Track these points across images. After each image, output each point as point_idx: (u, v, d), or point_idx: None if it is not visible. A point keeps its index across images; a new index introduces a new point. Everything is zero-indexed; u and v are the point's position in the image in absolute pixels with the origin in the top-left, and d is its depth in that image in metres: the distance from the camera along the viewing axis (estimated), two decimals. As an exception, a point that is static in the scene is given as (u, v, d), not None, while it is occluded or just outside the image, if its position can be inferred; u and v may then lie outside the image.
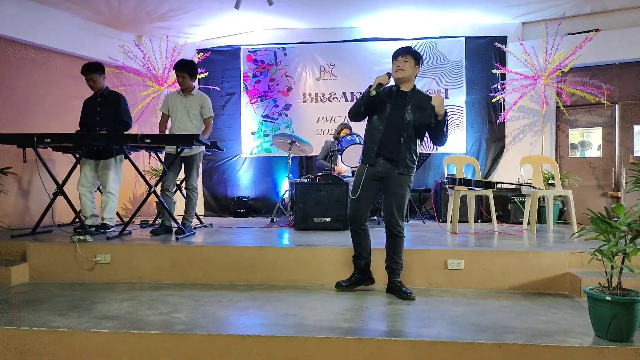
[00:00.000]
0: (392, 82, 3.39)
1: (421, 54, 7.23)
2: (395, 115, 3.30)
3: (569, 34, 6.60)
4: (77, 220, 4.75)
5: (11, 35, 5.53)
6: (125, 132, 4.95)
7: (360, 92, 7.35)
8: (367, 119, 3.44)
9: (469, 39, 7.19)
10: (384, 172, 3.33)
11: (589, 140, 6.85)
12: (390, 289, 3.40)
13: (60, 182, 4.54)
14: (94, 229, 4.77)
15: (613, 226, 2.45)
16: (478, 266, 3.63)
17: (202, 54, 7.41)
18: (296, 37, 7.59)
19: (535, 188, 5.10)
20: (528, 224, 5.13)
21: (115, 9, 6.26)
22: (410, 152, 3.33)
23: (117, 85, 6.82)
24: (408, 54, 3.33)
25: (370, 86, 3.26)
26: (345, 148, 5.60)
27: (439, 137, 3.40)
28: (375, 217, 6.17)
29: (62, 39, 6.11)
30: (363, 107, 3.31)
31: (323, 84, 7.58)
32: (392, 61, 3.36)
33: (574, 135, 6.93)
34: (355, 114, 3.37)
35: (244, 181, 7.69)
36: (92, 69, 4.83)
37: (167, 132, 4.96)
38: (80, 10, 6.16)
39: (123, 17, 6.57)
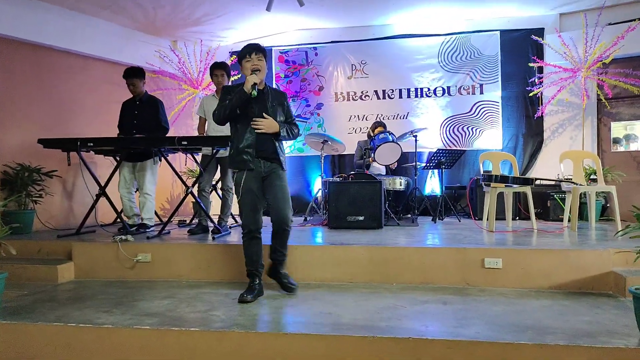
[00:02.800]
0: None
1: (454, 49, 7.24)
2: (262, 115, 3.27)
3: (609, 24, 6.36)
4: (118, 220, 4.92)
5: (53, 43, 5.76)
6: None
7: (393, 90, 7.38)
8: (230, 123, 3.38)
9: (504, 33, 7.03)
10: (266, 172, 3.32)
11: (633, 133, 6.58)
12: (274, 274, 3.50)
13: (103, 184, 4.70)
14: (135, 228, 4.92)
15: (660, 223, 2.35)
16: (517, 265, 3.55)
17: (235, 56, 7.51)
18: (327, 36, 7.61)
19: (577, 184, 4.94)
20: (569, 221, 4.98)
21: (150, 15, 6.43)
22: (282, 149, 3.42)
23: (154, 89, 7.01)
24: (261, 53, 3.31)
25: (242, 88, 3.19)
26: (378, 146, 5.58)
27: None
28: (410, 216, 6.12)
29: (101, 46, 6.32)
30: (238, 110, 3.23)
31: (355, 82, 7.57)
32: (244, 58, 3.28)
33: (617, 129, 6.67)
34: (226, 118, 3.29)
35: (278, 181, 7.75)
36: (133, 74, 5.00)
37: (205, 134, 5.07)
38: (117, 17, 6.36)
39: (158, 23, 6.74)
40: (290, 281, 3.50)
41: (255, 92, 3.18)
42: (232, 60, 7.38)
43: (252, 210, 3.33)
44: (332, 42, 7.59)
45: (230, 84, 5.05)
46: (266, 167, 3.32)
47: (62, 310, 3.10)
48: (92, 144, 4.65)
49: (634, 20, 6.14)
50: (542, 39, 6.69)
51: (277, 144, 3.36)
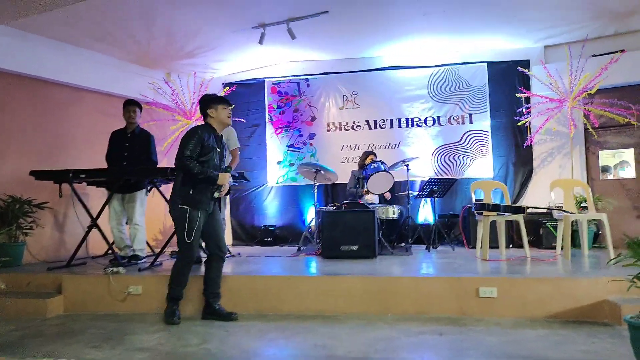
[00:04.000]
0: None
1: (443, 80, 7.38)
2: (218, 159, 3.69)
3: (593, 55, 6.54)
4: (110, 252, 4.87)
5: (46, 76, 5.80)
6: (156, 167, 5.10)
7: (384, 120, 7.47)
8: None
9: (491, 64, 7.20)
10: (212, 209, 3.66)
11: (620, 161, 6.69)
12: (212, 313, 3.64)
13: (94, 216, 4.67)
14: (127, 260, 4.87)
15: (651, 251, 2.37)
16: (512, 294, 3.54)
17: (228, 87, 7.61)
18: (319, 68, 7.74)
19: (568, 212, 4.98)
20: (562, 249, 4.99)
21: (144, 47, 6.53)
22: None
23: (148, 120, 7.04)
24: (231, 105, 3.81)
25: (216, 179, 3.56)
26: (370, 176, 5.61)
27: None
28: (403, 244, 6.12)
29: (94, 78, 6.37)
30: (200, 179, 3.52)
31: (346, 112, 7.66)
32: (222, 105, 3.72)
33: (605, 157, 6.77)
34: (187, 173, 3.52)
35: (271, 210, 7.75)
36: (134, 103, 5.12)
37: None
38: (111, 50, 6.44)
39: (152, 56, 6.83)
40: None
41: (218, 194, 3.64)
42: (225, 92, 7.48)
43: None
44: (323, 73, 7.71)
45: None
46: (212, 205, 3.68)
47: (51, 345, 3.04)
48: (84, 175, 4.64)
49: (617, 52, 6.32)
50: (528, 70, 6.85)
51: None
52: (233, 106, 3.76)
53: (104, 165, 5.16)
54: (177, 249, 4.76)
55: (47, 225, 5.67)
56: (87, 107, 6.37)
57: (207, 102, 3.68)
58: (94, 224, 4.65)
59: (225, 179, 3.61)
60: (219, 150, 3.68)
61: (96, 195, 5.69)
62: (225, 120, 3.70)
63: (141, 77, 7.08)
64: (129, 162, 4.98)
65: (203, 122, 3.78)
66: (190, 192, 3.50)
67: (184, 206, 3.50)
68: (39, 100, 5.81)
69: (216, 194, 3.62)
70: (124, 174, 4.73)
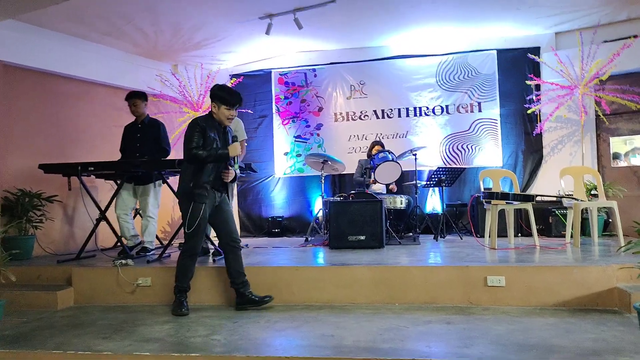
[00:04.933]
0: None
1: (451, 68, 7.31)
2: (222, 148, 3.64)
3: (605, 41, 6.42)
4: (119, 244, 4.90)
5: (55, 70, 5.83)
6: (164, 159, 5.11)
7: (391, 109, 7.42)
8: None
9: (500, 52, 7.11)
10: (218, 201, 3.66)
11: (632, 148, 6.59)
12: (246, 302, 3.62)
13: (103, 208, 4.70)
14: (135, 250, 4.90)
15: (662, 238, 2.34)
16: (520, 282, 3.52)
17: (235, 79, 7.60)
18: (326, 58, 7.69)
19: (577, 200, 4.93)
20: (571, 237, 4.95)
21: (152, 40, 6.53)
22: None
23: (155, 112, 7.06)
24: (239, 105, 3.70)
25: (228, 155, 3.55)
26: (378, 165, 5.59)
27: None
28: (411, 234, 6.10)
29: (102, 71, 6.40)
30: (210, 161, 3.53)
31: (354, 102, 7.62)
32: (226, 105, 3.60)
33: (617, 144, 6.68)
34: (199, 162, 3.51)
35: (278, 201, 7.76)
36: (135, 95, 5.06)
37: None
38: (119, 43, 6.45)
39: (159, 48, 6.84)
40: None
41: (237, 167, 3.64)
42: (232, 83, 7.47)
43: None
44: (330, 63, 7.67)
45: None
46: (218, 197, 3.67)
47: (61, 337, 3.07)
48: (92, 169, 4.66)
49: (629, 37, 6.21)
50: (539, 57, 6.76)
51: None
52: (238, 106, 3.68)
53: (116, 159, 5.18)
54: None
55: (57, 218, 5.73)
56: (96, 100, 6.40)
57: (213, 96, 3.64)
58: (102, 217, 4.68)
59: (237, 149, 3.57)
60: (220, 139, 3.65)
61: (105, 188, 5.74)
62: (224, 120, 3.66)
63: (148, 69, 7.09)
64: (141, 153, 5.00)
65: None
66: (191, 185, 3.51)
67: (187, 199, 3.53)
68: (49, 94, 5.85)
69: (236, 167, 3.62)
70: (132, 166, 4.74)
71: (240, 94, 3.72)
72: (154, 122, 5.18)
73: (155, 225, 5.13)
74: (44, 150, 5.64)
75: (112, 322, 3.41)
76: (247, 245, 5.93)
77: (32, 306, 3.89)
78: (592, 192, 5.90)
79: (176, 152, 7.37)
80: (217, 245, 4.72)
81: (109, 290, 4.05)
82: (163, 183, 5.04)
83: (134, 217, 5.34)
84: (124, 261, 4.20)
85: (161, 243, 5.85)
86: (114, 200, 4.96)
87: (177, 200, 3.69)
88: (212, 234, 5.23)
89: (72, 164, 4.71)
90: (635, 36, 6.20)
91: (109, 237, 5.15)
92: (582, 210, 5.06)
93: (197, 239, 3.62)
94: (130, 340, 2.94)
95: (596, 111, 6.47)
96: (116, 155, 5.26)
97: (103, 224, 4.71)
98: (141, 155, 4.96)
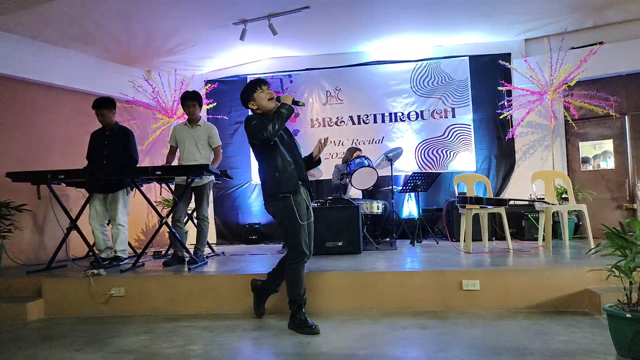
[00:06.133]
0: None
1: (426, 74, 7.40)
2: (290, 142, 3.34)
3: (572, 48, 6.62)
4: (90, 254, 4.80)
5: (23, 75, 5.68)
6: (136, 166, 5.02)
7: (367, 115, 7.48)
8: (267, 146, 3.24)
9: (472, 58, 7.24)
10: (308, 200, 3.37)
11: (600, 152, 6.79)
12: (299, 324, 3.14)
13: (74, 217, 4.59)
14: (108, 261, 4.80)
15: (629, 241, 2.41)
16: (494, 286, 3.58)
17: (210, 85, 7.55)
18: (301, 64, 7.71)
19: (549, 204, 5.05)
20: (543, 240, 5.06)
21: (124, 46, 6.42)
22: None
23: (128, 119, 6.95)
24: (269, 84, 3.38)
25: (289, 104, 3.20)
26: (355, 171, 5.61)
27: None
28: (388, 239, 6.14)
29: (73, 77, 6.26)
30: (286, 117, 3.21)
31: (330, 108, 7.65)
32: (256, 90, 3.30)
33: (586, 149, 6.87)
34: (277, 128, 3.15)
35: (255, 208, 7.71)
36: (102, 104, 4.93)
37: (175, 163, 5.02)
38: (89, 48, 6.33)
39: (132, 54, 6.73)
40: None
41: (303, 102, 3.21)
42: (206, 89, 7.41)
43: (307, 234, 3.27)
44: (306, 69, 7.69)
45: (202, 114, 5.03)
46: (306, 194, 3.34)
47: (31, 349, 2.98)
48: (63, 176, 4.55)
49: (596, 44, 6.41)
50: (509, 64, 6.92)
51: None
52: (267, 85, 3.32)
53: (85, 166, 5.07)
54: (194, 250, 4.68)
55: (26, 227, 5.57)
56: (66, 106, 6.26)
57: (243, 100, 3.38)
58: (73, 226, 4.56)
59: (289, 99, 3.22)
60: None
61: (76, 197, 5.61)
62: (267, 106, 3.25)
63: (121, 75, 6.97)
64: (108, 161, 4.90)
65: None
66: (277, 175, 3.16)
67: (285, 193, 3.16)
68: (17, 100, 5.69)
69: (302, 102, 3.34)
70: (104, 174, 4.65)
71: (263, 79, 3.42)
72: (123, 129, 5.09)
73: (126, 233, 5.04)
74: (12, 157, 5.49)
75: (85, 334, 3.33)
76: (223, 252, 5.87)
77: (1, 318, 3.77)
78: (563, 195, 6.05)
79: (151, 159, 7.27)
80: (192, 253, 4.67)
81: (81, 301, 3.95)
82: (132, 189, 4.96)
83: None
84: (95, 271, 4.10)
85: (134, 251, 5.75)
86: (88, 212, 4.86)
87: (265, 205, 3.32)
88: (189, 241, 5.18)
89: (41, 172, 4.58)
90: (601, 43, 6.40)
91: (80, 246, 5.03)
92: (553, 213, 5.18)
93: (302, 240, 3.20)
94: (104, 352, 2.87)
95: (565, 116, 6.65)
96: (85, 163, 5.15)
97: (74, 233, 4.60)
98: (108, 163, 4.87)
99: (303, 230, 3.21)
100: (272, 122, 3.13)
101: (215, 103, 7.56)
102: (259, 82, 3.33)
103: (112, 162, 4.87)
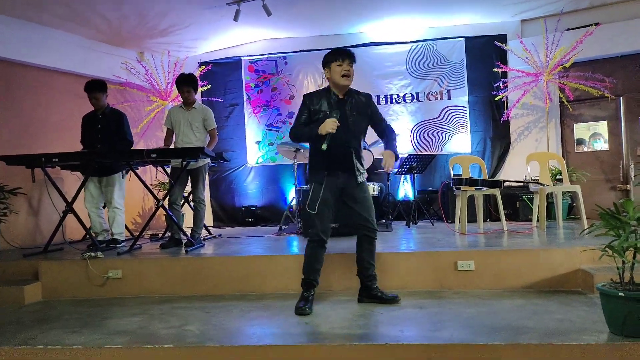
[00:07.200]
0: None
1: (421, 56, 7.35)
2: (340, 126, 3.10)
3: (568, 29, 6.59)
4: (87, 237, 4.79)
5: (14, 57, 5.61)
6: (131, 149, 4.99)
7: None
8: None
9: (468, 39, 7.19)
10: (344, 184, 3.26)
11: (595, 134, 6.81)
12: (374, 297, 3.30)
13: (70, 200, 4.58)
14: (105, 244, 4.80)
15: (622, 221, 2.43)
16: (489, 266, 3.61)
17: (204, 67, 7.47)
18: (296, 45, 7.63)
19: (543, 185, 5.08)
20: (537, 221, 5.10)
21: (116, 27, 6.33)
22: (360, 160, 3.31)
23: (122, 102, 6.88)
24: (353, 60, 3.18)
25: (318, 131, 3.08)
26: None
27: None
28: (384, 221, 6.17)
29: (65, 59, 6.18)
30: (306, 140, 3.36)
31: (325, 90, 7.59)
32: (336, 61, 3.13)
33: (580, 130, 6.89)
34: (296, 140, 3.40)
35: (251, 190, 7.71)
36: (95, 88, 4.86)
37: (172, 146, 4.99)
38: (81, 29, 6.23)
39: (124, 35, 6.64)
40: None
41: (325, 147, 3.05)
42: (200, 71, 7.33)
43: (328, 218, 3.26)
44: (301, 50, 7.61)
45: (197, 96, 4.98)
46: (343, 177, 3.25)
47: (29, 332, 2.99)
48: (57, 160, 4.52)
49: (591, 25, 6.38)
50: (505, 45, 6.88)
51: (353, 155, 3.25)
52: (349, 60, 3.13)
53: (79, 149, 5.03)
54: (191, 232, 4.73)
55: (22, 211, 5.55)
56: (58, 89, 6.19)
57: (323, 62, 3.23)
58: (69, 209, 4.55)
59: (327, 126, 3.03)
60: (336, 114, 3.12)
61: (71, 179, 5.58)
62: (338, 80, 3.13)
63: (113, 57, 6.89)
64: (102, 144, 4.86)
65: None
66: (307, 165, 3.30)
67: (310, 179, 3.30)
68: (8, 83, 5.63)
69: (324, 146, 3.05)
70: (99, 157, 4.62)
71: (348, 50, 3.22)
72: (115, 112, 5.03)
73: (122, 216, 5.03)
74: (5, 141, 5.44)
75: (82, 316, 3.34)
76: (220, 235, 5.88)
77: (-3, 302, 3.78)
78: (557, 177, 6.09)
79: (145, 142, 7.23)
80: (189, 235, 4.68)
81: (78, 283, 3.96)
82: (127, 173, 4.93)
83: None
84: (93, 254, 4.10)
85: (131, 234, 5.75)
86: (83, 195, 4.84)
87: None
88: (185, 224, 5.18)
89: (35, 155, 4.55)
90: (597, 24, 6.37)
91: (77, 229, 5.03)
92: (548, 194, 5.21)
93: (317, 224, 3.21)
94: (101, 333, 2.89)
95: (560, 98, 6.65)
96: (79, 145, 5.11)
97: (71, 216, 4.58)
98: (101, 146, 4.83)
99: (314, 216, 3.22)
100: (296, 135, 3.29)
101: (210, 85, 7.50)
102: (342, 54, 3.16)
103: (106, 145, 4.83)
